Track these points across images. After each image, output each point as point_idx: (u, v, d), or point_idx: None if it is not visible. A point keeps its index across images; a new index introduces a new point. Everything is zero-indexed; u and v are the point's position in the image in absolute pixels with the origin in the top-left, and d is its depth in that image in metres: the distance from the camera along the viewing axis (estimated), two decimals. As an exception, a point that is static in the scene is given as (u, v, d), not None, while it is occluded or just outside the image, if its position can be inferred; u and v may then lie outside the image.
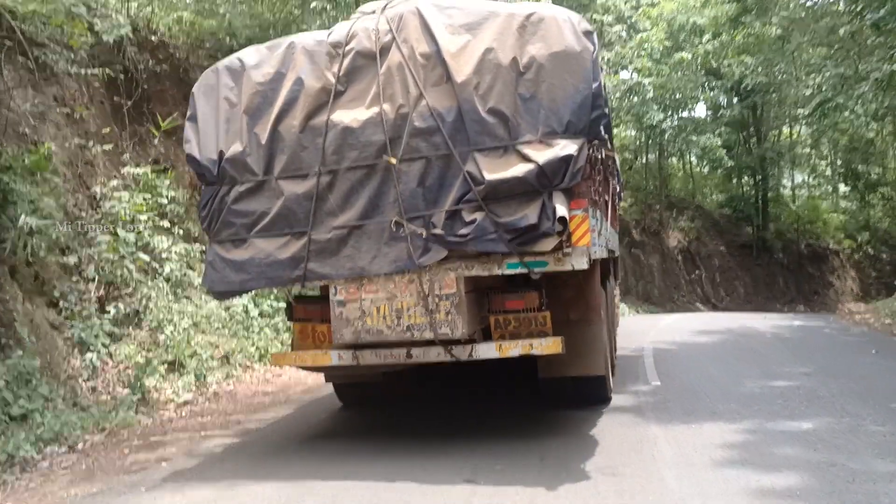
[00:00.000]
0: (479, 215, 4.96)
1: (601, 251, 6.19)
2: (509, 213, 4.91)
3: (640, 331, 13.65)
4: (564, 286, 5.89)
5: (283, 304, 9.14)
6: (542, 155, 4.83)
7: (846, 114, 21.30)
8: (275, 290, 9.28)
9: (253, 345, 10.06)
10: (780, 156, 31.52)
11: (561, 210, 4.79)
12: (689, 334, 12.89)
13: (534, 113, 4.94)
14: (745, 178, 33.21)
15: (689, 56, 23.57)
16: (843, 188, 38.38)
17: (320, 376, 7.70)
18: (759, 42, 23.00)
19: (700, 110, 31.29)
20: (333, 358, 5.52)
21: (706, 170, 34.28)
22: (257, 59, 5.57)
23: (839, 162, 30.27)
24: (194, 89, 5.70)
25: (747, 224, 32.16)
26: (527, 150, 4.89)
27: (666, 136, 27.22)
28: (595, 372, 6.41)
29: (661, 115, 23.93)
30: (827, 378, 7.89)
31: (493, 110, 4.98)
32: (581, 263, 5.03)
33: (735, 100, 29.72)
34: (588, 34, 5.02)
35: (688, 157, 33.63)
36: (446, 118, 5.05)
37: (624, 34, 21.91)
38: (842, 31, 16.84)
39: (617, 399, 7.08)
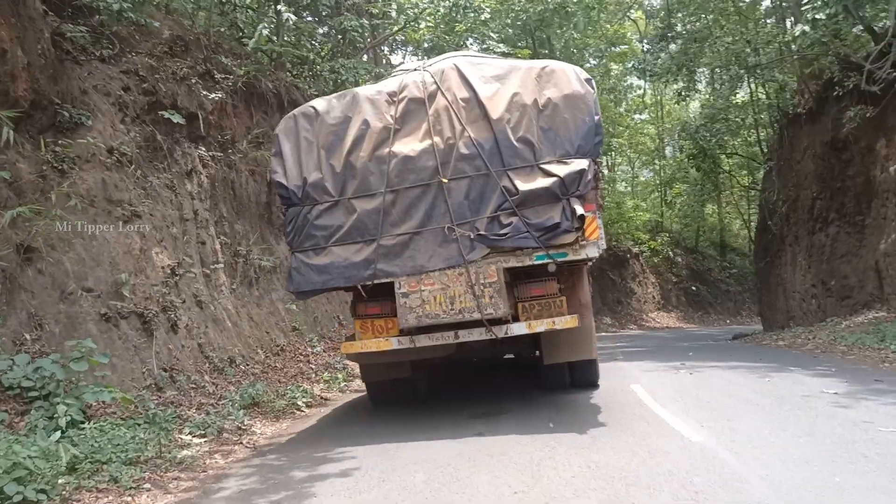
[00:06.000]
0: (513, 219, 6.48)
1: (603, 248, 7.73)
2: (538, 216, 6.44)
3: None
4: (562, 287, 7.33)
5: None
6: (562, 170, 6.40)
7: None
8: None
9: None
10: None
11: (579, 210, 6.33)
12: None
13: (552, 140, 6.54)
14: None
15: None
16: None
17: None
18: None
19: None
20: (394, 343, 6.85)
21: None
22: (327, 106, 7.05)
23: (681, 143, 26.97)
24: (277, 131, 7.12)
25: None
26: (549, 168, 6.46)
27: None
28: (589, 356, 7.98)
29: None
30: None
31: (521, 139, 6.56)
32: (594, 252, 6.57)
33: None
34: (588, 81, 6.69)
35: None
36: (485, 146, 6.59)
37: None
38: None
39: None
